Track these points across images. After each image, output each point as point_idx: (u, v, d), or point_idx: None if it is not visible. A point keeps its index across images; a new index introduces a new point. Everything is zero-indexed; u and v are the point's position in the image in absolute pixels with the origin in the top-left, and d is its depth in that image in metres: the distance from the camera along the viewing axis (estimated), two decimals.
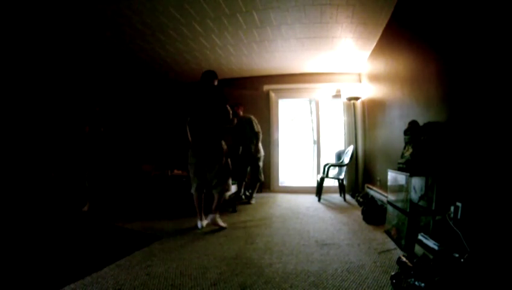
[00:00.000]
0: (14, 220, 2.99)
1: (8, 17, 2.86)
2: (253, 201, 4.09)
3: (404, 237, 2.00)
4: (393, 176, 2.38)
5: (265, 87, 5.26)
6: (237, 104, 4.14)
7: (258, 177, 4.11)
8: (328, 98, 5.21)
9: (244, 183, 4.17)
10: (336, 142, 5.33)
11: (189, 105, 2.76)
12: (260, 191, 4.96)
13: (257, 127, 4.02)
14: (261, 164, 4.12)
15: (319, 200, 4.19)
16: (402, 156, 2.27)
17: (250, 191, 4.17)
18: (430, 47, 2.12)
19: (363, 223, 2.85)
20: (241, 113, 4.15)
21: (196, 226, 2.77)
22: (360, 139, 4.75)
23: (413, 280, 1.31)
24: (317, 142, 5.21)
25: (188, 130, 2.77)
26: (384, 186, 3.26)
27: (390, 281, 1.48)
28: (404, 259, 1.53)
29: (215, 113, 2.71)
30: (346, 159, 4.29)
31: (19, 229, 2.67)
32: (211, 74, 2.81)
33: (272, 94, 5.26)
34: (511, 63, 1.27)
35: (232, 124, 3.31)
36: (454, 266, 1.26)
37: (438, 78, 2.00)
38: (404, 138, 2.28)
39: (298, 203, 3.99)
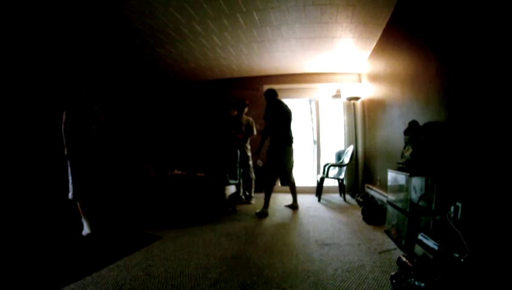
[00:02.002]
0: (14, 220, 2.99)
1: (11, 18, 2.86)
2: (253, 201, 4.10)
3: (404, 237, 2.00)
4: (393, 176, 2.38)
5: (265, 87, 5.22)
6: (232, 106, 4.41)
7: (250, 175, 4.16)
8: (328, 98, 5.21)
9: (241, 183, 4.20)
10: (336, 142, 5.33)
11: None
12: (260, 191, 4.95)
13: (255, 129, 4.26)
14: (251, 162, 4.24)
15: (319, 200, 4.19)
16: (402, 156, 2.26)
17: (248, 191, 4.20)
18: (430, 47, 2.12)
19: (363, 223, 2.84)
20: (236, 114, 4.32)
21: (197, 225, 2.81)
22: (360, 139, 4.75)
23: (413, 280, 1.31)
24: (317, 142, 5.21)
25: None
26: (384, 186, 3.26)
27: (390, 281, 1.48)
28: (404, 259, 1.53)
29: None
30: (346, 159, 4.29)
31: (19, 229, 2.67)
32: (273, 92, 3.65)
33: None
34: (510, 63, 1.27)
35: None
36: (454, 266, 1.26)
37: (438, 78, 2.00)
38: (404, 138, 2.28)
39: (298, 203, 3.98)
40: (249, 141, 4.26)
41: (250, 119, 4.27)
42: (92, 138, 2.61)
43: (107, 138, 2.92)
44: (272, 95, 3.62)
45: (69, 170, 2.48)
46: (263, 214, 3.25)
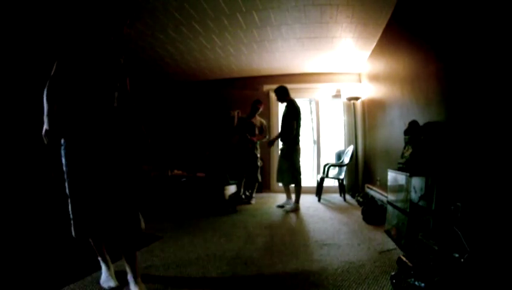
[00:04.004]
0: (14, 220, 2.99)
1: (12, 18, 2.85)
2: (253, 201, 4.09)
3: (404, 237, 2.00)
4: (393, 176, 2.38)
5: (266, 87, 5.26)
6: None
7: (257, 176, 4.13)
8: (328, 98, 5.21)
9: (243, 183, 4.18)
10: (336, 142, 5.33)
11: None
12: (260, 191, 4.95)
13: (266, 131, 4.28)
14: (260, 163, 4.18)
15: (319, 200, 4.19)
16: (402, 156, 2.27)
17: (249, 191, 4.19)
18: (430, 47, 2.12)
19: (363, 223, 2.84)
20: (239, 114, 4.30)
21: (197, 225, 2.81)
22: (360, 139, 4.75)
23: (413, 280, 1.31)
24: (317, 142, 5.21)
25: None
26: (384, 186, 3.26)
27: (390, 281, 1.48)
28: (404, 259, 1.53)
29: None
30: (346, 159, 4.29)
31: (19, 229, 2.67)
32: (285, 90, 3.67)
33: (272, 94, 5.25)
34: (509, 62, 1.27)
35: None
36: (454, 266, 1.26)
37: (438, 78, 2.00)
38: (404, 138, 2.28)
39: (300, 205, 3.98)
40: (258, 142, 4.21)
41: (263, 120, 4.25)
42: (113, 114, 1.44)
43: (138, 116, 1.70)
44: (286, 93, 3.60)
45: (67, 184, 1.39)
46: (295, 209, 3.50)
